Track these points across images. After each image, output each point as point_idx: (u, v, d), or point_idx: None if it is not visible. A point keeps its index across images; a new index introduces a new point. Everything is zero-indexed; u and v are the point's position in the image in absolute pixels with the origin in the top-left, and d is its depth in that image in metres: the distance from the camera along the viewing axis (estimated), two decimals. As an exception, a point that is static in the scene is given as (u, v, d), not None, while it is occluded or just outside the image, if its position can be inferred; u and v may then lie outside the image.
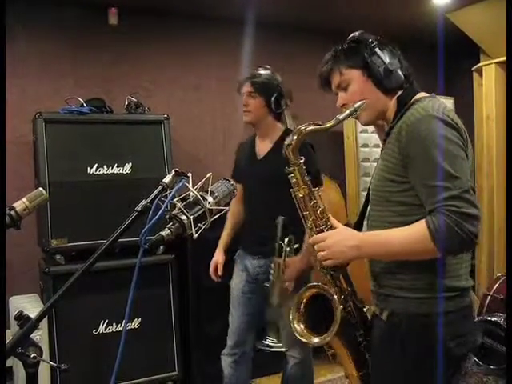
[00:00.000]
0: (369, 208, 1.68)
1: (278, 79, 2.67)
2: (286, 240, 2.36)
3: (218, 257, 2.80)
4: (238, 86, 2.69)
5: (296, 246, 2.40)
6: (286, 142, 1.62)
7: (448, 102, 4.50)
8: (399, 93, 1.59)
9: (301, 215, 1.65)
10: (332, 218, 1.62)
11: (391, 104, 1.60)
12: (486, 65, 4.22)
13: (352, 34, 1.64)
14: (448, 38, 4.37)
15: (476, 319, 3.38)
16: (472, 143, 4.66)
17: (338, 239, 1.53)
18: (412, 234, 1.43)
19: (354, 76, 1.60)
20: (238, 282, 2.75)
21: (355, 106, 1.59)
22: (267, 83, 2.62)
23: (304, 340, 1.68)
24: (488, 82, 4.20)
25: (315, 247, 1.56)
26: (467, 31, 4.12)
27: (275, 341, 2.67)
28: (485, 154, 4.26)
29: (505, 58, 3.84)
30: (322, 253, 1.53)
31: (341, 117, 1.59)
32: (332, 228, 1.60)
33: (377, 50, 1.57)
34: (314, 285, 1.68)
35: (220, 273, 2.76)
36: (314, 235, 1.60)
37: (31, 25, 3.59)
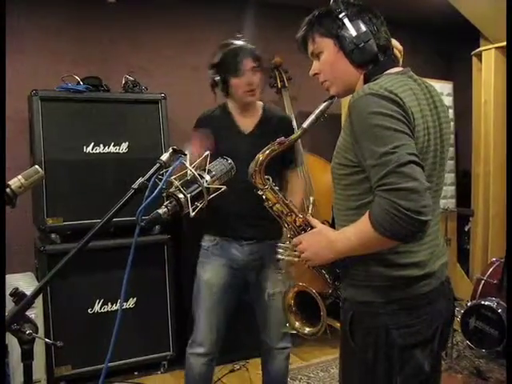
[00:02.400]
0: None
1: None
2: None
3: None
4: (239, 63, 2.33)
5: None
6: (250, 171, 1.61)
7: (447, 87, 4.49)
8: (370, 67, 1.51)
9: (278, 220, 1.67)
10: (310, 218, 1.60)
11: (361, 79, 1.53)
12: (485, 50, 4.20)
13: None
14: (449, 23, 4.35)
15: (469, 303, 3.41)
16: (469, 128, 4.61)
17: (312, 242, 1.52)
18: (363, 227, 1.36)
19: (327, 45, 1.53)
20: (218, 278, 2.45)
21: (320, 108, 1.57)
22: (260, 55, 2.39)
23: (300, 333, 1.72)
24: (487, 66, 4.18)
25: (295, 249, 1.57)
26: (468, 15, 4.09)
27: None
28: (482, 139, 4.26)
29: (504, 43, 3.83)
30: (302, 255, 1.54)
31: (305, 125, 1.57)
32: (311, 229, 1.59)
33: (346, 20, 1.49)
34: (298, 285, 1.70)
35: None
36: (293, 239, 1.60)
37: (29, 0, 3.54)
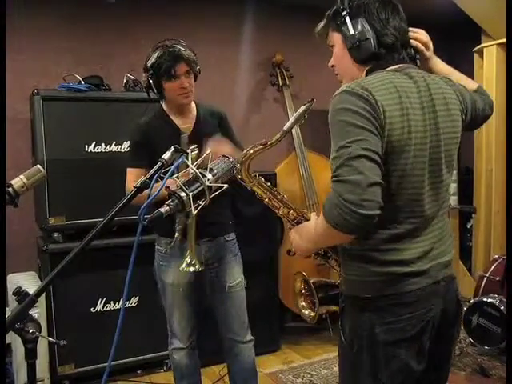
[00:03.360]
0: None
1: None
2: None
3: None
4: (171, 67, 2.35)
5: None
6: (235, 171, 1.63)
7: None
8: (371, 64, 1.53)
9: (277, 213, 1.71)
10: (308, 213, 1.64)
11: (362, 76, 1.54)
12: (486, 46, 4.18)
13: None
14: (450, 19, 4.34)
15: (472, 300, 3.41)
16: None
17: (297, 233, 1.59)
18: (321, 219, 1.39)
19: (337, 39, 1.57)
20: (181, 278, 2.48)
21: (300, 110, 1.59)
22: (195, 58, 2.45)
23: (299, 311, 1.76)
24: (489, 63, 4.16)
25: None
26: (469, 11, 4.08)
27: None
28: (483, 137, 4.25)
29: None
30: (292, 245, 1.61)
31: (286, 127, 1.60)
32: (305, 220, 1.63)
33: (347, 18, 1.51)
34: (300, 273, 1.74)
35: None
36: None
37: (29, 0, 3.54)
